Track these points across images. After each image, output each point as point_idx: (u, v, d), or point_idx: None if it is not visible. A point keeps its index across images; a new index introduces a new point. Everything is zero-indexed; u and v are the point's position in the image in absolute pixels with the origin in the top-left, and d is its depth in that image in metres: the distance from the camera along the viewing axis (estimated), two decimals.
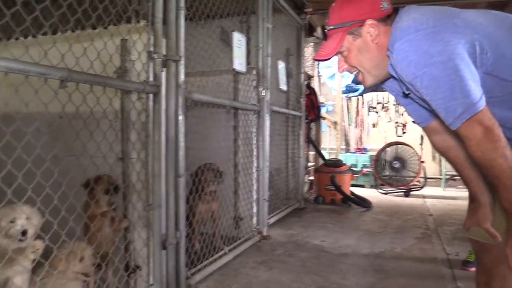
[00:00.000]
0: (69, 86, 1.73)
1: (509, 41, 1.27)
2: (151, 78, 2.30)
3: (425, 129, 1.62)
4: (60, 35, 2.06)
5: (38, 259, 1.75)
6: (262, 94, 3.97)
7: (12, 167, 1.51)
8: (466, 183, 1.61)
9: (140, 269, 2.34)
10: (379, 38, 1.39)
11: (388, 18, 1.39)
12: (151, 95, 2.31)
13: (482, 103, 1.20)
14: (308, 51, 6.81)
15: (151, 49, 2.30)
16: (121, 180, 2.33)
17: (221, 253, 3.19)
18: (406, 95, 1.49)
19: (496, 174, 1.24)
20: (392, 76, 1.44)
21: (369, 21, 1.38)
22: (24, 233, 1.77)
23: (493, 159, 1.22)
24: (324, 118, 8.27)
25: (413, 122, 1.72)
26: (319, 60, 1.56)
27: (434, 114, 1.42)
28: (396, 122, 8.49)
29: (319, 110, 6.98)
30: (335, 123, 8.83)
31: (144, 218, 2.33)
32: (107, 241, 2.20)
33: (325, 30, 1.49)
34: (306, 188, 6.67)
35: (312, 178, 6.82)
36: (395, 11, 1.41)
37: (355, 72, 1.52)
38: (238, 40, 3.45)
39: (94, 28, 2.30)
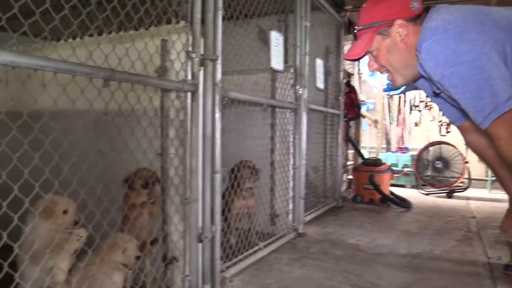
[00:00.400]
0: (112, 85, 1.83)
1: None
2: (189, 77, 2.39)
3: (458, 128, 1.61)
4: (104, 36, 2.17)
5: (82, 247, 1.87)
6: (300, 92, 3.99)
7: (59, 160, 1.63)
8: (503, 184, 1.58)
9: (177, 260, 2.44)
10: (408, 38, 1.39)
11: (418, 18, 1.39)
12: (189, 94, 2.40)
13: (507, 106, 1.18)
14: (348, 48, 6.73)
15: (190, 49, 2.38)
16: (160, 175, 2.43)
17: (256, 248, 3.25)
18: (437, 95, 1.48)
19: None
20: (422, 76, 1.44)
21: (398, 21, 1.39)
22: (76, 223, 1.90)
23: None
24: (364, 117, 8.16)
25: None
26: (348, 60, 1.59)
27: (465, 113, 1.41)
28: (440, 121, 8.22)
29: (359, 108, 6.90)
30: (375, 121, 8.69)
31: (181, 212, 2.42)
32: (145, 231, 2.30)
33: (355, 31, 1.51)
34: (344, 187, 6.63)
35: (351, 177, 6.76)
36: (426, 10, 1.41)
37: (384, 72, 1.53)
38: (276, 39, 3.49)
39: (136, 29, 2.41)
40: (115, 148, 2.25)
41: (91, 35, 2.07)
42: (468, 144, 1.61)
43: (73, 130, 1.80)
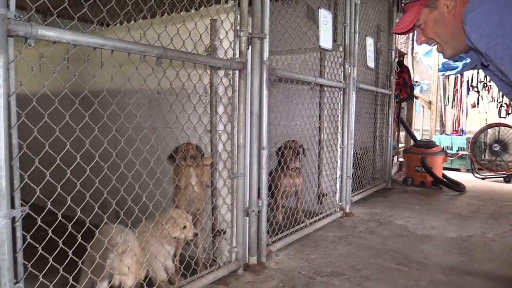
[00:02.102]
0: (164, 63, 1.93)
1: None
2: (237, 55, 2.45)
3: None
4: (157, 18, 2.27)
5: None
6: (349, 71, 3.95)
7: (116, 133, 1.76)
8: None
9: (224, 232, 2.55)
10: (456, 9, 1.37)
11: None
12: (237, 71, 2.46)
13: None
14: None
15: (238, 27, 2.44)
16: (209, 150, 2.52)
17: (302, 225, 3.30)
18: (485, 66, 1.45)
19: None
20: (471, 47, 1.41)
21: None
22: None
23: None
24: (417, 98, 7.89)
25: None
26: (396, 33, 1.58)
27: None
28: (499, 102, 7.75)
29: (411, 89, 6.68)
30: (429, 102, 8.38)
31: (228, 186, 2.52)
32: (195, 201, 2.40)
33: (403, 4, 1.50)
34: (395, 169, 6.51)
35: (402, 159, 6.61)
36: None
37: (433, 44, 1.52)
38: (324, 17, 3.46)
39: (187, 10, 2.49)
40: (167, 124, 2.37)
41: (144, 17, 2.17)
42: None
43: (127, 106, 1.92)
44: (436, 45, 1.52)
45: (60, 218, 1.57)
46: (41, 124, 1.47)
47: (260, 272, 2.56)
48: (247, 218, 2.57)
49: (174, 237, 2.16)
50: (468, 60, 1.52)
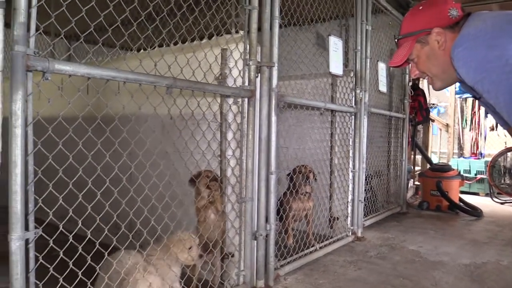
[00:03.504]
0: (174, 92, 2.03)
1: None
2: (246, 83, 2.54)
3: (508, 131, 1.59)
4: (167, 48, 2.39)
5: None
6: (360, 96, 4.00)
7: (126, 158, 1.85)
8: None
9: (232, 255, 2.59)
10: (446, 45, 1.43)
11: (456, 25, 1.42)
12: (246, 99, 2.55)
13: None
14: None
15: (247, 56, 2.54)
16: (218, 175, 2.59)
17: (311, 249, 3.32)
18: (478, 98, 1.49)
19: None
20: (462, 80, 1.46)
21: (436, 30, 1.44)
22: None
23: None
24: (433, 121, 7.85)
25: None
26: (392, 67, 1.65)
27: None
28: None
29: (427, 112, 6.67)
30: (447, 125, 8.32)
31: (237, 210, 2.58)
32: (212, 230, 2.47)
33: (396, 40, 1.57)
34: (411, 193, 6.45)
35: (418, 183, 6.55)
36: (467, 15, 1.43)
37: (425, 77, 1.57)
38: (334, 43, 3.54)
39: (198, 40, 2.61)
40: (177, 149, 2.46)
41: (158, 46, 2.29)
42: None
43: (139, 133, 2.02)
44: (427, 77, 1.58)
45: (71, 240, 1.66)
46: (56, 151, 1.58)
47: None
48: (255, 241, 2.62)
49: (181, 259, 2.22)
50: None
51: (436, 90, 1.62)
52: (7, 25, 1.39)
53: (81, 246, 1.68)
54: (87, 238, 1.72)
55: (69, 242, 1.67)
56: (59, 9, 1.57)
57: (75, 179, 1.67)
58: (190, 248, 2.21)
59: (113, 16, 1.80)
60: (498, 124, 1.62)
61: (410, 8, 5.21)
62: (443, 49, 1.44)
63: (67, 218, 1.67)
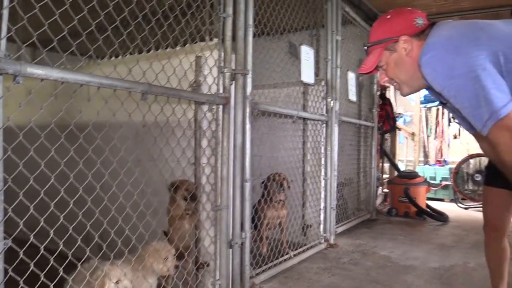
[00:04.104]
0: (149, 98, 2.00)
1: None
2: (221, 91, 2.53)
3: (474, 135, 1.66)
4: (142, 54, 2.36)
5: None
6: (331, 104, 4.07)
7: (100, 166, 1.80)
8: None
9: (208, 265, 2.56)
10: (413, 52, 1.51)
11: (422, 33, 1.51)
12: (220, 106, 2.54)
13: (507, 110, 1.26)
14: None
15: (221, 64, 2.53)
16: (194, 182, 2.57)
17: (286, 257, 3.32)
18: (444, 104, 1.56)
19: None
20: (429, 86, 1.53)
21: (403, 38, 1.52)
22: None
23: None
24: (400, 129, 8.07)
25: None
26: (361, 73, 1.70)
27: None
28: None
29: (394, 121, 6.86)
30: (412, 134, 8.57)
31: (212, 218, 2.55)
32: (184, 240, 2.43)
33: (365, 48, 1.63)
34: (380, 199, 6.58)
35: (387, 190, 6.69)
36: (432, 25, 1.51)
37: (394, 83, 1.63)
38: (306, 53, 3.60)
39: (172, 47, 2.59)
40: (151, 157, 2.42)
41: (130, 53, 2.26)
42: (484, 152, 1.66)
43: (112, 140, 1.98)
44: (396, 84, 1.64)
45: (42, 251, 1.59)
46: (27, 158, 1.52)
47: None
48: (231, 250, 2.59)
49: (156, 270, 2.16)
50: None
51: (403, 95, 1.69)
52: None
53: (53, 257, 1.61)
54: (59, 249, 1.65)
55: (40, 254, 1.60)
56: (30, 14, 1.53)
57: (46, 187, 1.61)
58: (165, 259, 2.16)
59: (87, 22, 1.76)
60: (464, 129, 1.70)
61: (376, 18, 5.38)
62: (410, 56, 1.52)
63: (37, 228, 1.60)
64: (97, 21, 1.78)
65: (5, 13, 1.43)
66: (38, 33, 1.57)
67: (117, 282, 1.88)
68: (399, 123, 8.48)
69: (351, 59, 4.88)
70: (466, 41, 1.34)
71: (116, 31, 1.94)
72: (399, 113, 8.59)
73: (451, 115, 8.47)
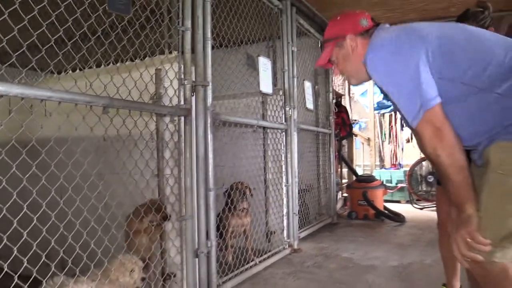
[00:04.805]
0: (111, 111, 2.01)
1: (458, 45, 1.49)
2: (182, 102, 2.58)
3: (411, 130, 1.81)
4: (102, 68, 2.37)
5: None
6: (289, 113, 4.19)
7: (63, 181, 1.80)
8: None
9: (174, 275, 2.57)
10: (358, 49, 1.74)
11: (367, 32, 1.72)
12: (182, 117, 2.58)
13: (434, 103, 1.44)
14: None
15: (182, 76, 2.58)
16: (157, 194, 2.58)
17: (251, 263, 3.38)
18: (387, 97, 1.73)
19: (444, 170, 1.46)
20: None
21: (349, 36, 1.72)
22: (143, 279, 2.07)
23: (440, 155, 1.44)
24: (356, 135, 8.35)
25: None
26: (318, 66, 1.93)
27: None
28: None
29: (350, 127, 7.10)
30: (368, 139, 8.88)
31: (177, 228, 2.57)
32: (145, 249, 2.43)
33: (320, 44, 1.83)
34: (340, 204, 6.77)
35: (346, 194, 6.90)
36: (377, 25, 1.70)
37: (344, 76, 1.84)
38: (264, 64, 3.70)
39: (132, 60, 2.61)
40: (114, 170, 2.42)
41: (90, 67, 2.26)
42: (420, 148, 1.82)
43: (75, 154, 1.97)
44: (345, 76, 1.85)
45: (6, 269, 1.57)
46: None
47: None
48: (197, 259, 2.62)
49: (123, 283, 2.15)
50: None
51: (352, 85, 1.91)
52: None
53: (18, 274, 1.59)
54: (23, 266, 1.63)
55: (3, 272, 1.57)
56: None
57: (8, 204, 1.59)
58: (132, 271, 2.16)
59: (46, 36, 1.76)
60: (403, 122, 1.89)
61: None
62: (355, 52, 1.71)
63: None
64: (56, 36, 1.79)
65: None
66: None
67: (131, 271, 1.95)
68: (355, 129, 8.79)
69: (306, 69, 5.05)
70: (403, 43, 1.52)
71: (74, 45, 1.95)
72: (355, 120, 8.91)
73: (403, 120, 8.88)
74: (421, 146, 1.52)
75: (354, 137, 7.97)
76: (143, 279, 2.24)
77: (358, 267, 3.55)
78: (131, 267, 2.15)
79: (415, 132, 1.55)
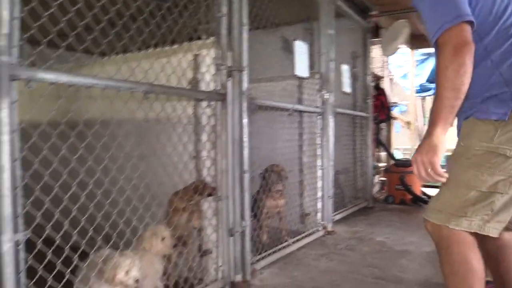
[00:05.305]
0: (151, 97, 2.12)
1: None
2: (218, 87, 2.66)
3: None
4: (143, 53, 2.48)
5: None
6: (326, 97, 4.19)
7: (108, 162, 1.93)
8: None
9: (210, 252, 2.70)
10: None
11: None
12: (218, 102, 2.66)
13: (467, 18, 1.43)
14: (377, 52, 6.83)
15: (218, 61, 2.65)
16: (194, 175, 2.70)
17: (285, 244, 3.47)
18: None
19: (441, 83, 1.48)
20: None
21: None
22: (137, 281, 2.13)
23: (448, 67, 1.45)
24: (395, 118, 8.19)
25: None
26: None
27: None
28: None
29: (389, 111, 6.98)
30: (408, 123, 8.70)
31: (213, 208, 2.69)
32: (183, 227, 2.58)
33: None
34: (377, 188, 6.72)
35: (384, 178, 6.83)
36: None
37: None
38: (300, 48, 3.71)
39: (171, 45, 2.71)
40: (154, 152, 2.55)
41: (132, 51, 2.38)
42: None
43: (118, 137, 2.11)
44: None
45: (58, 241, 1.72)
46: (42, 156, 1.65)
47: None
48: (232, 238, 2.73)
49: (158, 251, 2.31)
50: None
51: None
52: None
53: (68, 245, 1.75)
54: (72, 239, 1.79)
55: (55, 244, 1.73)
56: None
57: (60, 182, 1.74)
58: (163, 239, 2.31)
59: (92, 19, 1.87)
60: None
61: (370, 12, 5.48)
62: None
63: (52, 221, 1.74)
64: (107, 17, 1.90)
65: (16, 23, 1.55)
66: (41, 32, 1.68)
67: (127, 272, 2.02)
68: (395, 112, 8.60)
69: (344, 52, 4.99)
70: None
71: (114, 28, 2.05)
72: (395, 103, 8.71)
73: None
74: (439, 56, 1.50)
75: (393, 120, 7.83)
76: (174, 245, 2.38)
77: (391, 252, 3.57)
78: (162, 235, 2.30)
79: (436, 46, 1.52)
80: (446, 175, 1.59)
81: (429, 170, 1.56)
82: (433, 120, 1.53)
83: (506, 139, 1.52)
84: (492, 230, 1.58)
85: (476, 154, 1.58)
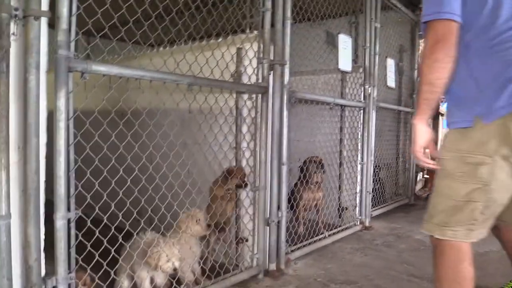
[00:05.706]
0: (194, 89, 2.22)
1: None
2: (260, 80, 2.72)
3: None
4: (188, 46, 2.58)
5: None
6: (368, 91, 4.15)
7: (152, 149, 2.06)
8: None
9: (247, 240, 2.80)
10: None
11: None
12: (260, 95, 2.73)
13: (449, 16, 1.44)
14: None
15: (261, 55, 2.72)
16: (234, 164, 2.80)
17: (321, 236, 3.51)
18: None
19: (419, 74, 1.59)
20: None
21: None
22: (175, 269, 2.25)
23: (423, 61, 1.51)
24: (443, 115, 7.92)
25: None
26: None
27: None
28: None
29: (437, 107, 6.77)
30: None
31: (251, 198, 2.78)
32: (221, 214, 2.68)
33: None
34: (420, 185, 6.57)
35: (427, 176, 6.67)
36: None
37: None
38: (344, 41, 3.70)
39: (216, 37, 2.80)
40: (196, 141, 2.67)
41: (178, 44, 2.49)
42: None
43: (163, 126, 2.24)
44: None
45: (105, 221, 1.87)
46: (93, 142, 1.79)
47: (278, 277, 2.79)
48: (268, 227, 2.81)
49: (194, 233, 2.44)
50: None
51: None
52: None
53: (114, 225, 1.89)
54: (118, 220, 1.94)
55: (103, 223, 1.88)
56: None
57: (108, 167, 1.89)
58: (198, 220, 2.43)
59: (134, 12, 1.97)
60: None
61: (419, 4, 5.32)
62: None
63: (101, 202, 1.89)
64: (158, 11, 2.02)
65: (74, 19, 1.69)
66: (94, 23, 1.80)
67: (168, 261, 2.17)
68: (443, 108, 8.32)
69: (390, 45, 4.90)
70: None
71: (162, 21, 2.16)
72: (442, 98, 8.41)
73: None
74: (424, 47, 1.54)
75: (440, 116, 7.58)
76: (208, 225, 2.49)
77: (429, 250, 3.45)
78: (196, 217, 2.43)
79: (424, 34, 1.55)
80: (431, 161, 1.68)
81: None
82: (416, 109, 1.60)
83: (473, 146, 1.53)
84: (480, 235, 1.67)
85: (447, 164, 1.61)
